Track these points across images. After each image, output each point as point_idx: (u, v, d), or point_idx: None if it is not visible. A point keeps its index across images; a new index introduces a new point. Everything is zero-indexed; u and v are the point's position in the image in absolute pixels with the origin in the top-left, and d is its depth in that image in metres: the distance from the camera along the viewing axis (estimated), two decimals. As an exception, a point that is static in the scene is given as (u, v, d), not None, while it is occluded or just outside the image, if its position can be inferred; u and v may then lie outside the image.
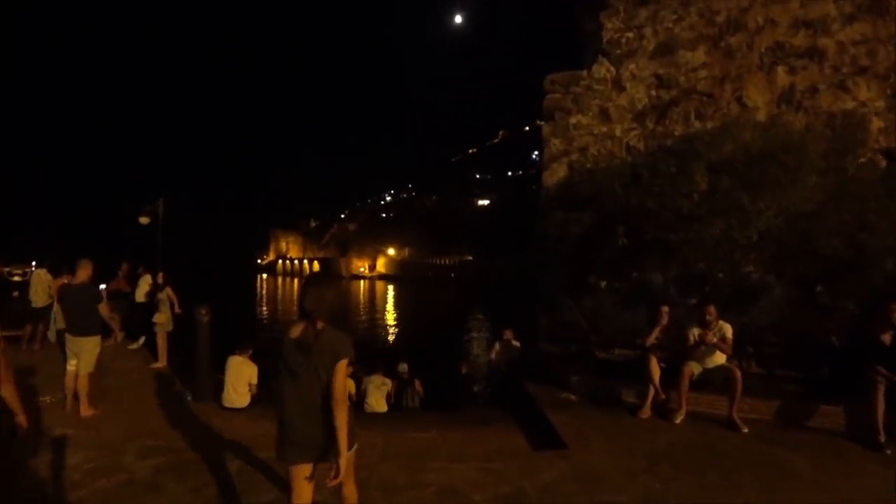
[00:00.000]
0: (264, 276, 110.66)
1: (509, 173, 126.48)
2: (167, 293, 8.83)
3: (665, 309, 5.71)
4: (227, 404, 6.13)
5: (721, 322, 5.34)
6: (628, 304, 6.83)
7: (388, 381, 7.42)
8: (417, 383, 7.57)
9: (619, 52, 7.54)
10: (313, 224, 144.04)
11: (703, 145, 5.66)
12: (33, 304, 9.54)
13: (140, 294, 10.16)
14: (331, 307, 2.58)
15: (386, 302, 50.03)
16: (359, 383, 7.39)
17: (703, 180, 5.43)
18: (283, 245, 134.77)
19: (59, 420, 5.39)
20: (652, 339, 5.65)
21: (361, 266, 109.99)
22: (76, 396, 5.70)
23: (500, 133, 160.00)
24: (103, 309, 6.01)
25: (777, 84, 6.75)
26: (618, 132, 7.43)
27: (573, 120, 7.82)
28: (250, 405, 6.20)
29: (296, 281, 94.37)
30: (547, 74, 7.94)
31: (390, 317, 37.07)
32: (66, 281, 6.28)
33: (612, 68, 7.57)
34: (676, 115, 7.14)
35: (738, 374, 5.03)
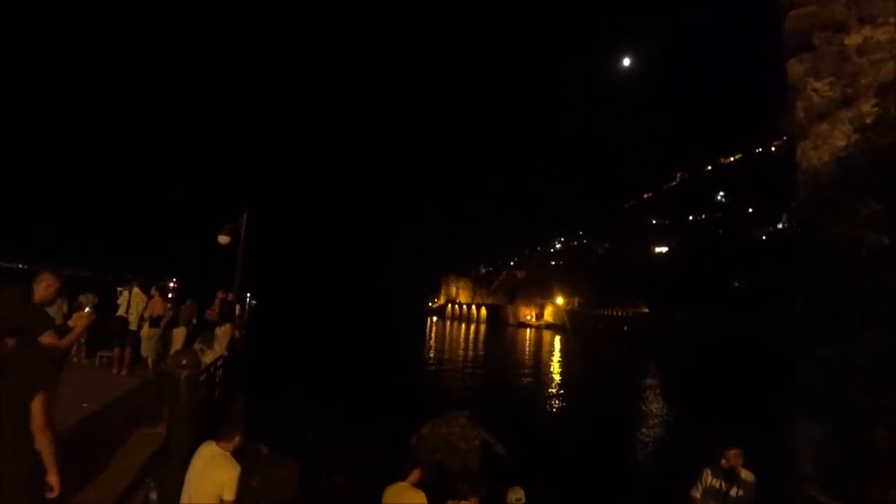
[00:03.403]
0: (434, 318, 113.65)
1: (690, 217, 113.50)
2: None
3: None
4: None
5: None
6: None
7: (489, 514, 4.22)
8: (539, 526, 4.24)
9: None
10: (483, 271, 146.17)
11: None
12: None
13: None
14: (20, 316, 2.41)
15: (551, 358, 45.50)
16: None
17: None
18: (453, 290, 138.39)
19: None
20: None
21: (528, 314, 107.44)
22: None
23: (678, 174, 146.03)
24: None
25: None
26: (972, 42, 3.54)
27: (853, 40, 4.04)
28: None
29: (463, 326, 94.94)
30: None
31: (551, 380, 32.38)
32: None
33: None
34: None
35: None
